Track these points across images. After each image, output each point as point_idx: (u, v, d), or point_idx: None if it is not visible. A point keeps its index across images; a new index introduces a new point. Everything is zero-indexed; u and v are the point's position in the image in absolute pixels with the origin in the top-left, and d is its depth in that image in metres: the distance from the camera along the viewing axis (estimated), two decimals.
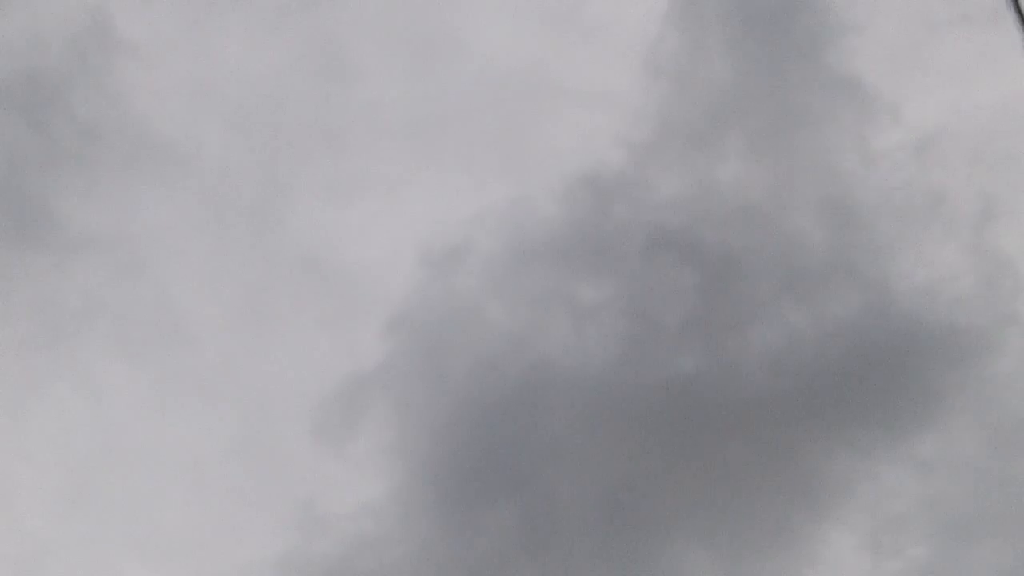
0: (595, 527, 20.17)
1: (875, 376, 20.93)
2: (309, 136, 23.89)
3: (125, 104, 23.31)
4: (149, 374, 21.71)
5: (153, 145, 23.16)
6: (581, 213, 22.66)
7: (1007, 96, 22.85)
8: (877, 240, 22.15)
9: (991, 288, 21.65)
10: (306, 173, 23.62)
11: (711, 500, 20.14)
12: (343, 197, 23.44)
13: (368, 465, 20.90)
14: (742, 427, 20.64)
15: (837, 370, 21.05)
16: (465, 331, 21.94)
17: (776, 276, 22.04)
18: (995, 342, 21.07)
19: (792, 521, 20.00)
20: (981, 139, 22.79)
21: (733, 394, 21.03)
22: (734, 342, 21.60)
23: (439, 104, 24.14)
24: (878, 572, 19.94)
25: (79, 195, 22.57)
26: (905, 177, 22.56)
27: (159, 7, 23.75)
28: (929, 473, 20.28)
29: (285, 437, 21.27)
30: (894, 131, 22.78)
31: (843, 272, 21.98)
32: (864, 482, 20.27)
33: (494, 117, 24.04)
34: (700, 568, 19.83)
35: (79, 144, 22.91)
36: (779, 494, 20.19)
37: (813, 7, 23.53)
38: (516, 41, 24.51)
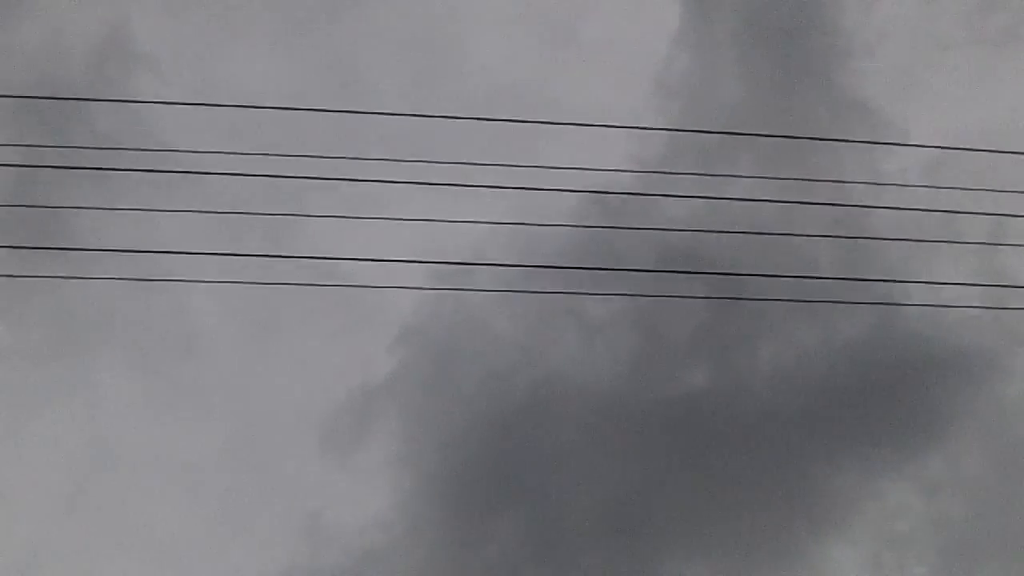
0: (601, 539, 20.21)
1: (882, 395, 20.93)
2: (324, 150, 24.06)
3: (143, 117, 23.57)
4: (158, 384, 21.89)
5: (169, 158, 23.39)
6: (591, 228, 22.74)
7: (1018, 119, 22.88)
8: (886, 260, 22.17)
9: (1000, 310, 21.62)
10: (320, 186, 23.79)
11: (716, 514, 20.16)
12: (355, 209, 23.59)
13: (376, 477, 20.99)
14: (748, 443, 20.67)
15: (844, 388, 21.08)
16: (474, 344, 22.05)
17: (784, 294, 22.05)
18: (1003, 363, 21.07)
19: (795, 537, 20.01)
20: (991, 161, 22.79)
21: (740, 410, 21.07)
22: (742, 359, 21.65)
23: (451, 118, 24.29)
24: None
25: (95, 206, 22.79)
26: (915, 198, 22.58)
27: (178, 21, 24.05)
28: (934, 493, 20.28)
29: (293, 448, 21.40)
30: (904, 153, 22.83)
31: (851, 291, 21.97)
32: (869, 500, 20.27)
33: (505, 132, 24.18)
34: None
35: (96, 156, 23.14)
36: (783, 510, 20.19)
37: (824, 28, 23.65)
38: (530, 58, 24.70)
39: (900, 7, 23.79)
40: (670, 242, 22.52)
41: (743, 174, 23.10)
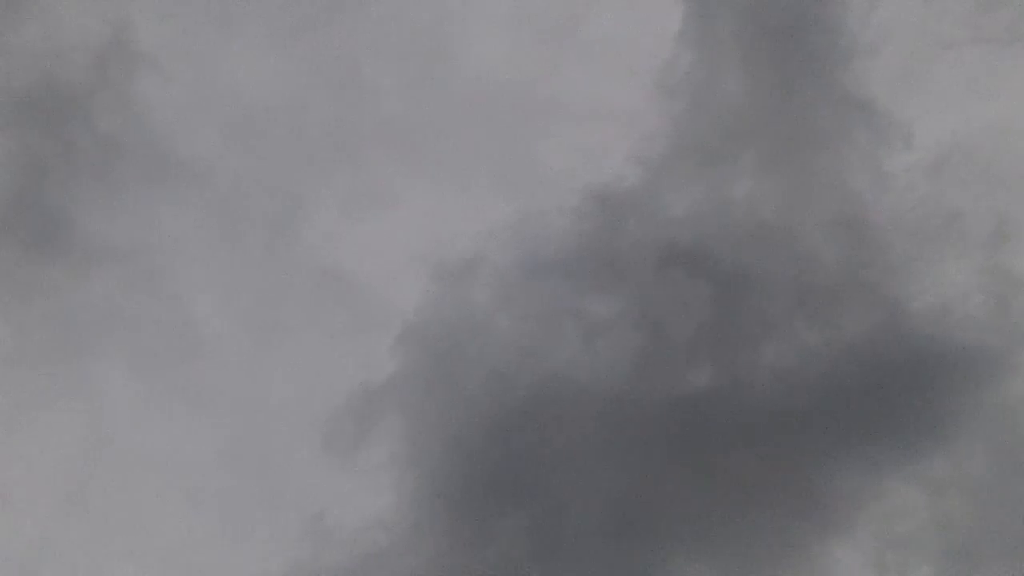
0: (603, 540, 20.21)
1: (886, 394, 20.91)
2: (325, 150, 24.13)
3: (145, 117, 23.62)
4: (160, 385, 21.93)
5: (171, 158, 23.46)
6: (593, 228, 22.78)
7: (1021, 116, 22.86)
8: (890, 259, 22.16)
9: (1004, 308, 21.62)
10: (321, 186, 23.86)
11: (718, 514, 20.15)
12: (357, 210, 23.65)
13: (378, 477, 21.01)
14: (751, 442, 20.66)
15: (848, 387, 21.05)
16: (476, 344, 22.04)
17: (788, 294, 22.07)
18: (1007, 362, 21.04)
19: (798, 537, 20.00)
20: (995, 159, 22.79)
21: (743, 409, 21.05)
22: (745, 358, 21.62)
23: (453, 119, 24.34)
24: None
25: (98, 207, 22.87)
26: (918, 197, 22.57)
27: (179, 22, 24.09)
28: (938, 493, 20.24)
29: (295, 448, 21.43)
30: (907, 151, 22.83)
31: (856, 290, 21.98)
32: (872, 500, 20.24)
33: (508, 131, 24.22)
34: None
35: (99, 156, 23.23)
36: (786, 510, 20.19)
37: (827, 27, 23.62)
38: (532, 57, 24.70)
39: (903, 6, 23.77)
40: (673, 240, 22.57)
41: (746, 173, 23.17)
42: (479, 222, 22.64)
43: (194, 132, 23.72)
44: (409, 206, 23.76)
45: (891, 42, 23.52)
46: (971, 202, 22.49)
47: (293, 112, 24.22)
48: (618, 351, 21.84)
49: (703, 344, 21.81)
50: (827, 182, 22.90)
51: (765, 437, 20.70)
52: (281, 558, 20.31)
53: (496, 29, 24.80)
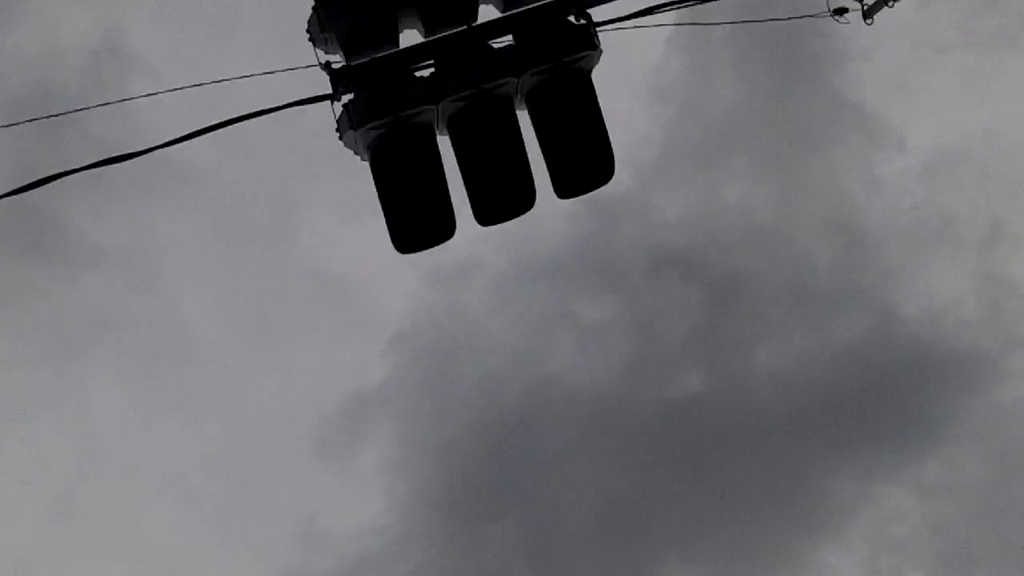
0: (597, 544, 20.24)
1: (879, 398, 20.95)
2: (317, 154, 24.13)
3: (137, 121, 23.61)
4: (152, 388, 21.95)
5: (164, 162, 23.45)
6: (585, 232, 22.80)
7: (1014, 120, 22.90)
8: (883, 263, 22.21)
9: (996, 312, 21.68)
10: (314, 191, 23.88)
11: (711, 518, 20.20)
12: (349, 214, 23.65)
13: (370, 482, 21.04)
14: (745, 446, 20.70)
15: (841, 391, 21.11)
16: (469, 348, 22.08)
17: (781, 298, 22.11)
18: (1000, 366, 21.09)
19: (792, 542, 20.05)
20: (988, 163, 22.84)
21: (737, 414, 21.09)
22: (738, 362, 21.67)
23: None
24: None
25: (90, 211, 22.86)
26: (911, 201, 22.62)
27: (172, 26, 24.09)
28: (931, 497, 20.30)
29: (287, 453, 21.45)
30: (900, 155, 22.87)
31: (849, 294, 22.03)
32: (865, 505, 20.30)
33: None
34: None
35: (92, 160, 23.19)
36: (780, 514, 20.23)
37: (820, 31, 23.67)
38: None
39: (896, 10, 23.78)
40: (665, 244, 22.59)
41: (738, 177, 23.19)
42: (471, 225, 22.65)
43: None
44: None
45: (884, 46, 23.57)
46: (964, 206, 22.53)
47: (286, 116, 24.22)
48: (610, 355, 21.87)
49: (696, 348, 21.86)
50: (820, 186, 22.94)
51: (758, 441, 20.73)
52: (272, 563, 20.34)
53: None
